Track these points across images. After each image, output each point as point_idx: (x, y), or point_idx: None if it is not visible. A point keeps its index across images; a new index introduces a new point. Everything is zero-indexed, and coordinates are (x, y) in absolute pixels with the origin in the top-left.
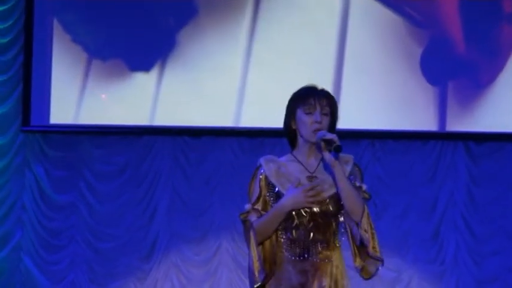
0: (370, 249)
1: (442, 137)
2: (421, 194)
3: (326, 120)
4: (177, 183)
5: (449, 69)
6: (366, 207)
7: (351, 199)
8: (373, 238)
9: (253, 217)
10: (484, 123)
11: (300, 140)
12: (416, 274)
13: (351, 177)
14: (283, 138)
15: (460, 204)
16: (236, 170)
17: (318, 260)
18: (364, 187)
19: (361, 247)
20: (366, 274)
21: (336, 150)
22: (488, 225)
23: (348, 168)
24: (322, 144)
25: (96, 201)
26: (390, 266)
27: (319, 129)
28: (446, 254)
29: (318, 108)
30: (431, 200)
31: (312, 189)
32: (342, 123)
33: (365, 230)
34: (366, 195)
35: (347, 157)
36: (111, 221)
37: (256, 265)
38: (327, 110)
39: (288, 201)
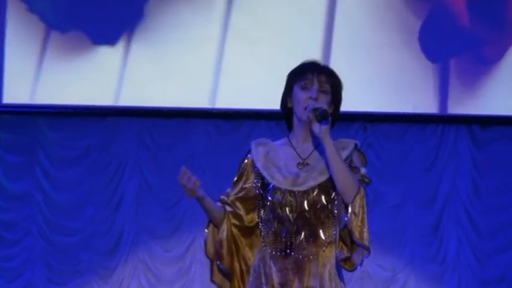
0: (357, 235)
1: (443, 120)
2: (419, 183)
3: (324, 99)
4: (145, 170)
5: (451, 44)
6: (361, 189)
7: (342, 176)
8: (362, 223)
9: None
10: (490, 105)
11: (294, 121)
12: (413, 274)
13: (346, 162)
14: (264, 120)
15: (462, 195)
16: (211, 156)
17: (301, 257)
18: (363, 171)
19: (345, 233)
20: (349, 266)
21: (322, 116)
22: (494, 219)
23: (345, 153)
24: (311, 115)
25: (54, 190)
26: (384, 265)
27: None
28: (447, 251)
29: (316, 84)
30: (431, 191)
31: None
32: None
33: (354, 213)
34: (366, 179)
35: (347, 142)
36: (71, 212)
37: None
38: (326, 87)
39: None
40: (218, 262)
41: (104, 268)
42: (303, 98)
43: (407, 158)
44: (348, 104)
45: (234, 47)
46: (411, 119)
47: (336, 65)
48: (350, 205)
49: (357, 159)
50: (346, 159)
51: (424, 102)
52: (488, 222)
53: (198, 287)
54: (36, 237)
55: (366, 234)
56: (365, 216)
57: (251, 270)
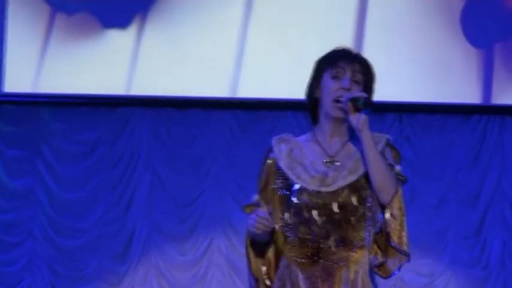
0: (395, 240)
1: (487, 110)
2: (461, 180)
3: (356, 90)
4: (158, 166)
5: (496, 28)
6: (399, 188)
7: (380, 173)
8: (401, 227)
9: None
10: None
11: (321, 113)
12: (454, 279)
13: None
14: (290, 111)
15: (508, 193)
16: (232, 150)
17: (331, 263)
18: (398, 168)
19: (381, 237)
20: (384, 272)
21: (366, 105)
22: None
23: (378, 148)
24: (349, 105)
25: (59, 188)
26: (421, 270)
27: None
28: (490, 255)
29: (349, 73)
30: (474, 188)
31: (262, 217)
32: None
33: (393, 215)
34: (402, 178)
35: (379, 137)
36: (78, 213)
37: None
38: (359, 77)
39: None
40: (269, 282)
41: (113, 273)
42: (333, 88)
43: (447, 153)
44: (382, 93)
45: (258, 31)
46: (452, 109)
47: (370, 50)
48: (388, 206)
49: (390, 156)
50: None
51: (466, 91)
52: None
53: None
54: (39, 239)
55: (405, 239)
56: (404, 218)
57: (275, 279)
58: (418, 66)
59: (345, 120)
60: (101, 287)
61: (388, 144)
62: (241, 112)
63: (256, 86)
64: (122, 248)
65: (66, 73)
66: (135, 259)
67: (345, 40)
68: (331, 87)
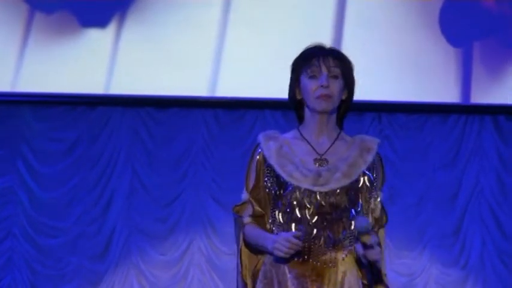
0: (383, 277)
1: (465, 110)
2: (440, 180)
3: (336, 85)
4: (138, 165)
5: (475, 26)
6: (383, 232)
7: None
8: (382, 260)
9: (248, 212)
10: None
11: (307, 113)
12: (433, 279)
13: (369, 175)
14: (268, 110)
15: (487, 193)
16: (211, 150)
17: (320, 264)
18: (381, 197)
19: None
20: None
21: (368, 229)
22: None
23: (370, 159)
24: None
25: (39, 187)
26: (400, 269)
27: (325, 95)
28: (470, 255)
29: (324, 70)
30: (452, 188)
31: (294, 243)
32: None
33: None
34: (384, 218)
35: (370, 142)
36: (57, 212)
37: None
38: (336, 71)
39: (272, 241)
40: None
41: (92, 273)
42: (312, 88)
43: (426, 152)
44: (362, 93)
45: (237, 30)
46: (431, 109)
47: (349, 49)
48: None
49: (378, 178)
50: (368, 169)
51: (445, 90)
52: None
53: None
54: (18, 238)
55: (384, 270)
56: (384, 255)
57: (260, 277)
58: (397, 65)
59: (332, 113)
60: (81, 287)
61: (378, 153)
62: (220, 111)
63: (235, 85)
64: (102, 247)
65: (45, 72)
66: (115, 258)
67: (323, 39)
68: (310, 88)
